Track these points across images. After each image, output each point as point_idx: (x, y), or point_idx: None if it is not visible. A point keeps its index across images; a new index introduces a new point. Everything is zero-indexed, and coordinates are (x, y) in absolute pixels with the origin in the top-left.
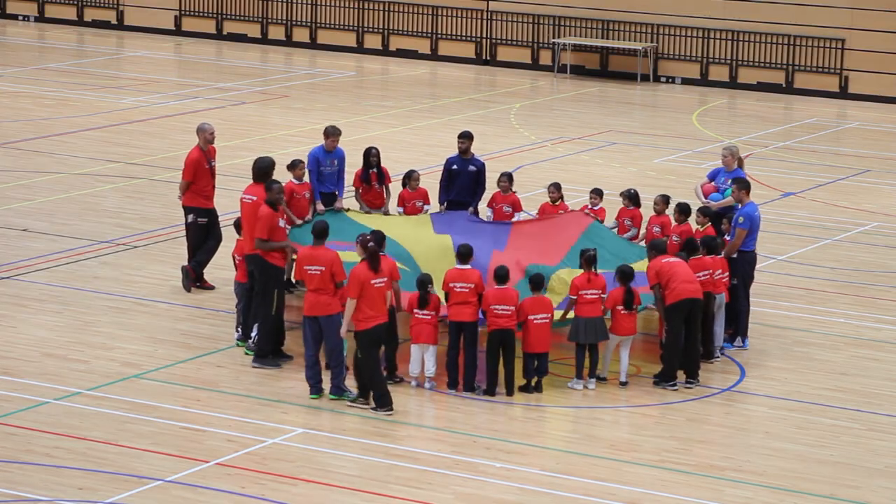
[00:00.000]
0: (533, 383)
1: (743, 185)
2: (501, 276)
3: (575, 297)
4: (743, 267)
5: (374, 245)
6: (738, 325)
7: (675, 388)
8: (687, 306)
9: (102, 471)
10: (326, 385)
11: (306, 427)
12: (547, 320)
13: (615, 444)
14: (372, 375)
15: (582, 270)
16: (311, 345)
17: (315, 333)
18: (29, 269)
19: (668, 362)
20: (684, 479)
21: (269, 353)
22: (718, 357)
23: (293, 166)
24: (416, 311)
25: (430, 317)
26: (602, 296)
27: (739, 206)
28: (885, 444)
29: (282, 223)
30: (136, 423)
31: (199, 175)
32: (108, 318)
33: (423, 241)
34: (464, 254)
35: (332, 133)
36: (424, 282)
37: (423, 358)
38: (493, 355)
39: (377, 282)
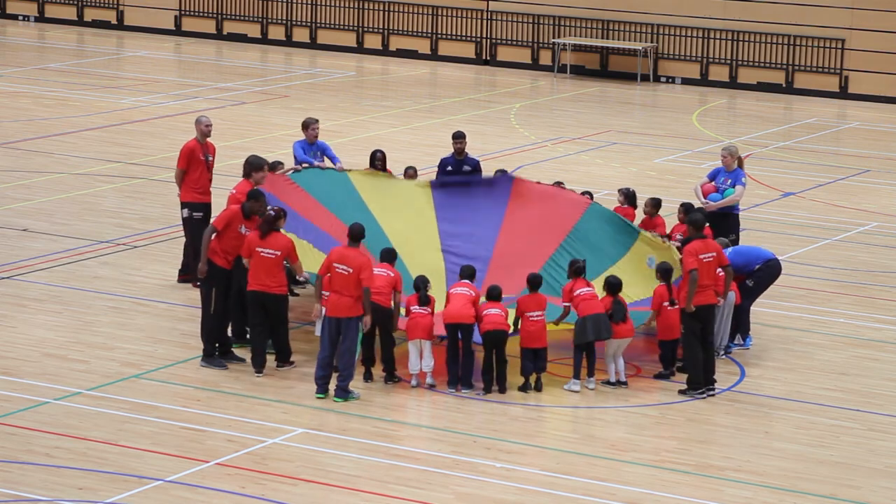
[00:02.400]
0: (533, 381)
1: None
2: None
3: (569, 304)
4: (765, 272)
5: (271, 215)
6: (739, 323)
7: (703, 395)
8: (704, 313)
9: (102, 471)
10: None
11: (307, 427)
12: (542, 317)
13: (615, 444)
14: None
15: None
16: (326, 346)
17: (333, 335)
18: (29, 269)
19: (693, 368)
20: (684, 479)
21: (213, 352)
22: (721, 355)
23: (273, 168)
24: (413, 308)
25: (426, 312)
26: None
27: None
28: (885, 444)
29: (244, 230)
30: (136, 423)
31: (193, 165)
32: (108, 318)
33: (414, 237)
34: (469, 274)
35: (309, 124)
36: (422, 283)
37: (420, 354)
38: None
39: (263, 251)
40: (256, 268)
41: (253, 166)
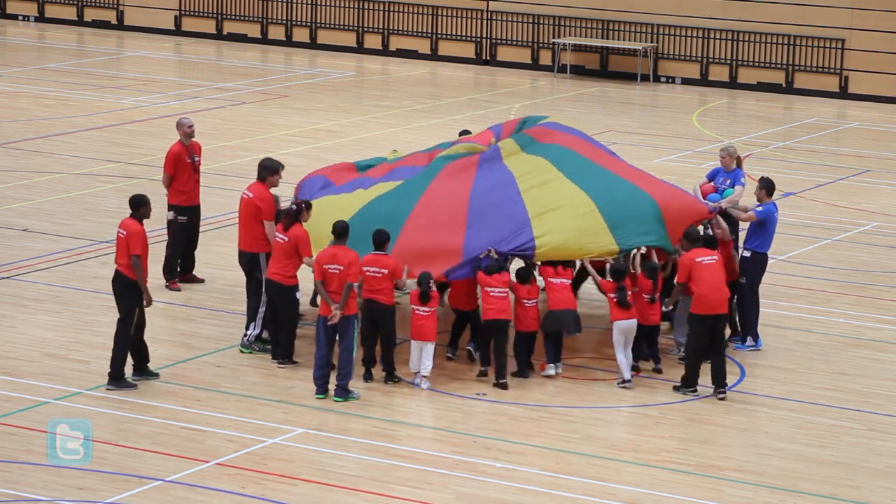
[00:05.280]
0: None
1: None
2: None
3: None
4: (754, 267)
5: (292, 209)
6: (746, 325)
7: (696, 393)
8: (712, 320)
9: (102, 471)
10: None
11: (306, 427)
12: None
13: (615, 444)
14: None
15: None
16: (324, 345)
17: (329, 334)
18: (29, 269)
19: (691, 368)
20: (684, 479)
21: (123, 374)
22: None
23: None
24: (415, 307)
25: (428, 313)
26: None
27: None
28: (885, 444)
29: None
30: (136, 423)
31: (180, 170)
32: (108, 318)
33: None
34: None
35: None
36: (425, 279)
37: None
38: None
39: (278, 236)
40: (273, 255)
41: (268, 170)
